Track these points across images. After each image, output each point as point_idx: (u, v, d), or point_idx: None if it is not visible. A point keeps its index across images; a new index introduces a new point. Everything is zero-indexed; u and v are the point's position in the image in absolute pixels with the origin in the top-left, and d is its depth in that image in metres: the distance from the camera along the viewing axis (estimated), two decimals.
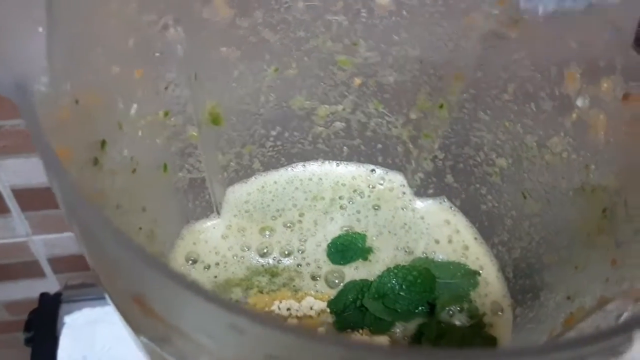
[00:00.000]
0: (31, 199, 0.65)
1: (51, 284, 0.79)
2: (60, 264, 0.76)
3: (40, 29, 0.24)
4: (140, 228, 0.38)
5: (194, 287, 0.16)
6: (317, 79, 0.43)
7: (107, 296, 0.24)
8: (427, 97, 0.43)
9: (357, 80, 0.44)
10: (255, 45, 0.39)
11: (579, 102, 0.33)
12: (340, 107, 0.45)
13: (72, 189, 0.18)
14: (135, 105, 0.34)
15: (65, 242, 0.73)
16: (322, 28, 0.40)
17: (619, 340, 0.16)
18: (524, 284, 0.40)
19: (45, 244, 0.73)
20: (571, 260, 0.34)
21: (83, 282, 0.82)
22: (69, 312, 0.64)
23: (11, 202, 0.65)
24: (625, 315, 0.25)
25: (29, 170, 0.61)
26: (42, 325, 0.66)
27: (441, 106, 0.42)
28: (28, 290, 0.80)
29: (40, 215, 0.68)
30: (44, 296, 0.68)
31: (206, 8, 0.35)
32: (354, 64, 0.42)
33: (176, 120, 0.38)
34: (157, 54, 0.34)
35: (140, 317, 0.22)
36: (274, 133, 0.46)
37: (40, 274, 0.78)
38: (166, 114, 0.37)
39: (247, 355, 0.18)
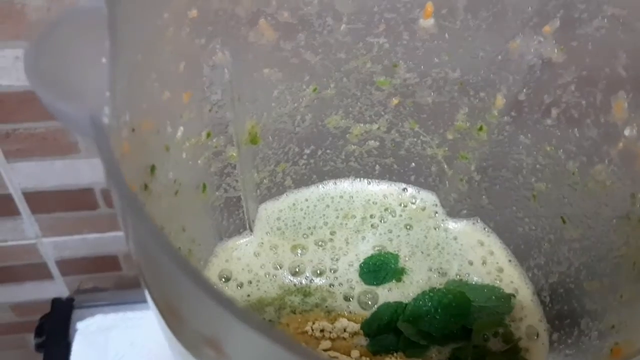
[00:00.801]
0: (42, 202, 0.65)
1: (59, 287, 0.79)
2: (68, 266, 0.76)
3: (104, 60, 0.24)
4: (180, 248, 0.38)
5: (277, 337, 0.16)
6: (354, 98, 0.43)
7: (169, 336, 0.24)
8: (466, 118, 0.42)
9: (395, 100, 0.43)
10: (296, 67, 0.39)
11: (627, 132, 0.33)
12: (375, 126, 0.45)
13: (150, 227, 0.18)
14: (181, 128, 0.34)
15: (75, 244, 0.72)
16: (363, 50, 0.40)
17: None
18: (561, 309, 0.40)
19: (54, 247, 0.73)
20: (616, 289, 0.34)
21: (95, 286, 0.82)
22: (81, 318, 0.64)
23: (21, 205, 0.65)
24: None
25: (40, 173, 0.61)
26: (54, 331, 0.66)
27: (480, 128, 0.41)
28: (36, 292, 0.80)
29: (50, 218, 0.68)
30: (56, 301, 0.68)
31: (252, 32, 0.35)
32: (392, 85, 0.42)
33: (218, 141, 0.38)
34: (204, 77, 0.34)
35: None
36: (307, 151, 0.46)
37: (49, 276, 0.78)
38: (209, 134, 0.37)
39: None
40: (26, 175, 0.62)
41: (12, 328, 0.87)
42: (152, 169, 0.31)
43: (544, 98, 0.37)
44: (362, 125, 0.45)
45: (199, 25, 0.31)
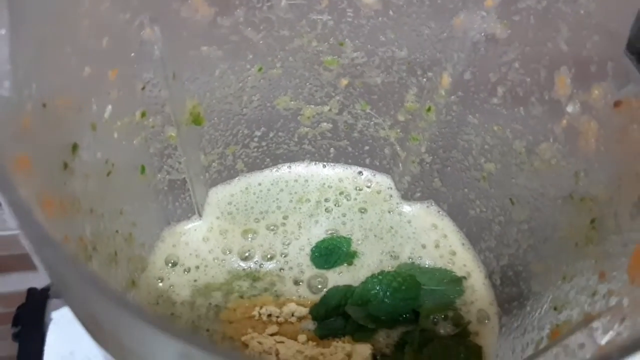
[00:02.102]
0: None
1: (42, 278, 0.78)
2: None
3: (3, 31, 0.23)
4: (117, 231, 0.37)
5: (143, 316, 0.15)
6: (302, 79, 0.42)
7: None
8: (415, 98, 0.42)
9: (344, 81, 0.42)
10: (237, 45, 0.38)
11: (570, 108, 0.32)
12: (326, 108, 0.44)
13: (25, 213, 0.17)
14: (110, 107, 0.32)
15: None
16: (307, 27, 0.39)
17: None
18: (510, 292, 0.39)
19: None
20: (559, 270, 0.33)
21: None
22: (56, 308, 0.63)
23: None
24: (610, 334, 0.24)
25: None
26: (29, 320, 0.65)
27: (429, 109, 0.40)
28: (19, 283, 0.78)
29: None
30: (31, 291, 0.67)
31: (184, 6, 0.34)
32: (340, 64, 0.41)
33: (154, 121, 0.37)
34: (132, 54, 0.33)
35: (97, 334, 0.21)
36: (258, 133, 0.45)
37: (32, 267, 0.77)
38: (143, 114, 0.36)
39: None
40: None
41: None
42: (74, 147, 0.30)
43: (490, 76, 0.36)
44: (313, 107, 0.44)
45: None
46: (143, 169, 0.38)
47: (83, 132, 0.31)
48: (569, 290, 0.32)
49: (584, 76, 0.31)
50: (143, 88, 0.35)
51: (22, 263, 0.75)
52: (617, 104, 0.29)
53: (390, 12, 0.37)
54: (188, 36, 0.36)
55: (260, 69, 0.40)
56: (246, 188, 0.47)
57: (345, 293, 0.41)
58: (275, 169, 0.48)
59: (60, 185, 0.28)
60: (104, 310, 0.17)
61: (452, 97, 0.39)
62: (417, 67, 0.40)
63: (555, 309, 0.33)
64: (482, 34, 0.35)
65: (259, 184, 0.47)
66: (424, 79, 0.40)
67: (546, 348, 0.31)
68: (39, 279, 0.77)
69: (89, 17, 0.28)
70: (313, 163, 0.48)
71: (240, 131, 0.44)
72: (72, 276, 0.16)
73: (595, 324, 0.26)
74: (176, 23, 0.34)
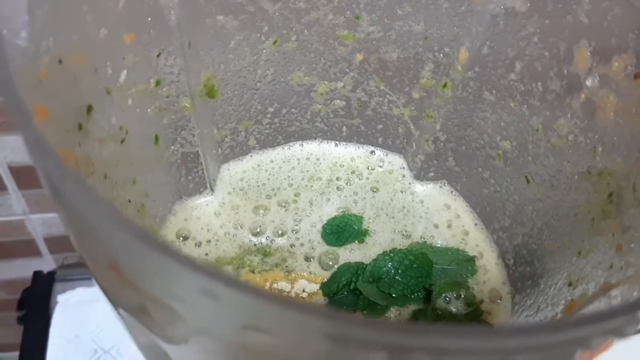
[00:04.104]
0: (29, 177, 0.64)
1: (47, 264, 0.78)
2: (56, 243, 0.75)
3: None
4: (130, 201, 0.36)
5: (162, 248, 0.14)
6: (317, 53, 0.42)
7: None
8: (431, 75, 0.41)
9: (359, 56, 0.42)
10: (253, 15, 0.38)
11: (589, 82, 0.32)
12: (340, 84, 0.44)
13: (39, 142, 0.17)
14: (125, 72, 0.32)
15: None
16: (323, 0, 0.38)
17: (624, 321, 0.15)
18: (524, 271, 0.39)
19: (42, 223, 0.72)
20: (575, 246, 0.33)
21: (78, 262, 0.81)
22: (62, 291, 0.63)
23: (8, 180, 0.64)
24: (630, 302, 0.24)
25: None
26: (35, 303, 0.65)
27: (445, 85, 0.40)
28: (24, 269, 0.79)
29: (38, 194, 0.67)
30: (37, 274, 0.67)
31: None
32: (356, 39, 0.41)
33: (169, 91, 0.37)
34: (149, 19, 0.32)
35: (117, 285, 0.20)
36: (271, 109, 0.45)
37: (37, 253, 0.77)
38: (158, 83, 0.36)
39: (223, 325, 0.16)
40: (12, 149, 0.60)
41: (1, 306, 0.86)
42: (89, 109, 0.29)
43: (508, 51, 0.36)
44: (326, 82, 0.44)
45: None
46: (157, 139, 0.38)
47: (98, 95, 0.30)
48: (584, 265, 0.32)
49: (604, 49, 0.30)
50: (158, 55, 0.34)
51: (26, 249, 0.75)
52: (637, 75, 0.28)
53: None
54: (205, 3, 0.35)
55: (275, 42, 0.40)
56: (258, 165, 0.47)
57: (356, 270, 0.40)
58: (287, 147, 0.47)
59: (75, 145, 0.28)
60: (123, 247, 0.17)
61: (469, 72, 0.38)
62: (434, 42, 0.39)
63: (570, 284, 0.32)
64: (502, 7, 0.35)
65: (271, 161, 0.47)
66: (441, 55, 0.40)
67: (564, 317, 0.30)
68: (43, 265, 0.77)
69: None
70: (325, 141, 0.48)
71: (254, 106, 0.44)
72: (93, 210, 0.16)
73: (614, 292, 0.25)
74: None
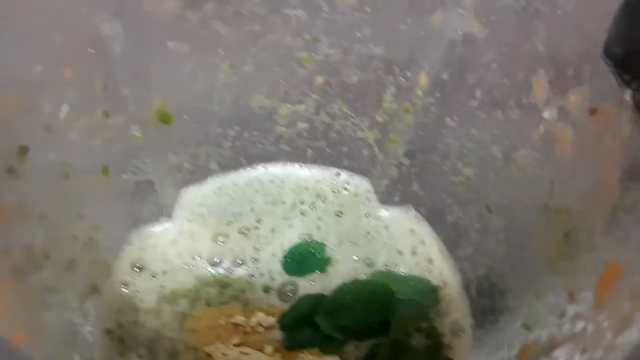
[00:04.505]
0: None
1: None
2: None
3: None
4: (76, 236, 0.35)
5: None
6: (277, 76, 0.41)
7: None
8: (393, 99, 0.40)
9: (320, 79, 0.41)
10: (206, 40, 0.37)
11: (547, 114, 0.31)
12: (302, 107, 0.43)
13: None
14: (65, 106, 0.31)
15: None
16: (279, 22, 0.37)
17: None
18: (486, 304, 0.38)
19: None
20: (532, 285, 0.32)
21: None
22: None
23: None
24: None
25: None
26: None
27: (406, 110, 0.39)
28: None
29: None
30: None
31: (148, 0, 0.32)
32: (316, 61, 0.40)
33: (117, 120, 0.35)
34: (91, 51, 0.31)
35: None
36: (232, 132, 0.43)
37: None
38: (105, 114, 0.34)
39: None
40: None
41: None
42: (22, 150, 0.28)
43: (467, 77, 0.35)
44: (288, 105, 0.43)
45: None
46: (106, 170, 0.37)
47: (33, 134, 0.29)
48: (540, 308, 0.30)
49: (561, 80, 0.29)
50: (105, 87, 0.33)
51: None
52: (592, 111, 0.27)
53: (367, 8, 0.36)
54: (152, 31, 0.34)
55: (232, 66, 0.39)
56: (219, 189, 0.45)
57: (315, 301, 0.39)
58: (250, 169, 0.46)
59: (3, 192, 0.27)
60: None
61: (430, 98, 0.37)
62: (395, 65, 0.38)
63: (526, 327, 0.31)
64: (460, 33, 0.33)
65: (234, 185, 0.46)
66: (402, 78, 0.38)
67: None
68: None
69: (39, 12, 0.27)
70: (289, 163, 0.46)
71: (213, 130, 0.42)
72: None
73: (556, 352, 0.24)
74: (139, 17, 0.33)
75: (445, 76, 0.36)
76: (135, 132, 0.37)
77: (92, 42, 0.31)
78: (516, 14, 0.31)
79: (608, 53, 0.26)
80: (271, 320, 0.39)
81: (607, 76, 0.26)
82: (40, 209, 0.30)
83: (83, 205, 0.35)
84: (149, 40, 0.34)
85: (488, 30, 0.32)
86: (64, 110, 0.31)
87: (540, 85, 0.31)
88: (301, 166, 0.47)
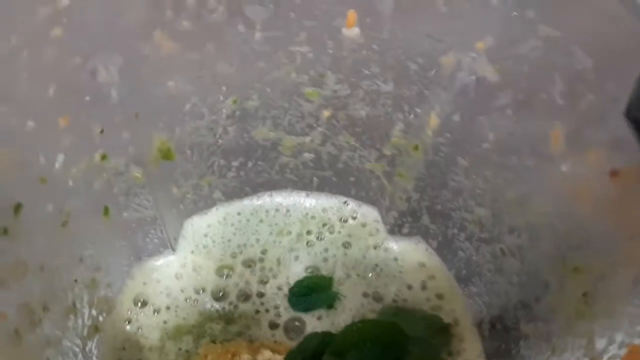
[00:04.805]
0: None
1: None
2: None
3: None
4: (76, 280, 0.34)
5: None
6: (282, 110, 0.39)
7: None
8: (402, 134, 0.39)
9: (326, 113, 0.39)
10: (209, 78, 0.35)
11: (564, 168, 0.29)
12: (308, 139, 0.41)
13: None
14: (62, 156, 0.30)
15: None
16: (284, 59, 0.36)
17: None
18: (499, 347, 0.37)
19: None
20: (550, 339, 0.31)
21: None
22: None
23: None
24: None
25: None
26: None
27: (416, 147, 0.38)
28: None
29: None
30: None
31: (145, 44, 0.31)
32: (322, 96, 0.38)
33: (117, 162, 0.34)
34: (87, 99, 0.30)
35: None
36: (235, 163, 0.42)
37: None
38: (104, 157, 0.33)
39: None
40: None
41: None
42: (17, 208, 0.27)
43: (480, 120, 0.33)
44: (293, 137, 0.41)
45: (69, 44, 0.27)
46: (106, 210, 0.36)
47: (28, 189, 0.28)
48: None
49: (579, 136, 0.28)
50: (101, 132, 0.32)
51: None
52: (613, 173, 0.26)
53: (374, 46, 0.34)
54: (151, 74, 0.33)
55: (235, 101, 0.38)
56: (224, 218, 0.44)
57: (323, 340, 0.38)
58: (255, 198, 0.45)
59: None
60: None
61: (440, 138, 0.36)
62: (404, 102, 0.37)
63: None
64: (472, 77, 0.32)
65: (238, 214, 0.45)
66: (411, 115, 0.37)
67: None
68: None
69: (29, 69, 0.26)
70: (295, 191, 0.45)
71: (216, 162, 0.41)
72: None
73: None
74: (136, 61, 0.31)
75: (456, 118, 0.34)
76: (136, 172, 0.35)
77: (88, 91, 0.30)
78: (532, 63, 0.29)
79: (630, 116, 0.24)
80: (278, 358, 0.38)
81: (630, 138, 0.25)
82: (37, 261, 0.29)
83: (83, 249, 0.34)
84: (147, 82, 0.33)
85: (502, 76, 0.31)
86: (60, 159, 0.30)
87: (557, 137, 0.29)
88: (307, 195, 0.45)
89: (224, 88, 0.37)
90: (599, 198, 0.27)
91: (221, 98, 0.37)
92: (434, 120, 0.35)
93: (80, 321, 0.35)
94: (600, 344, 0.26)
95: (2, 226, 0.26)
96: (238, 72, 0.36)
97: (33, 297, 0.29)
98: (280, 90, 0.38)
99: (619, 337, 0.25)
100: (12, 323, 0.26)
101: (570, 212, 0.30)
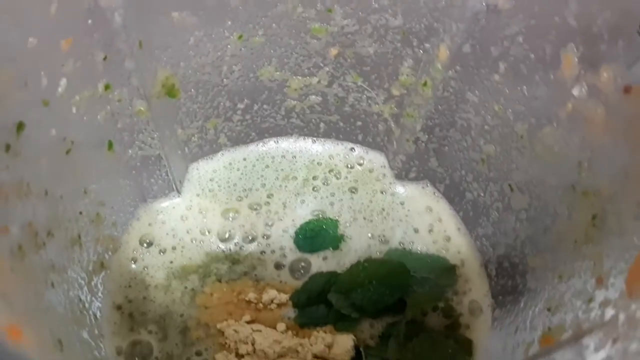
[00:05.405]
0: None
1: None
2: None
3: None
4: (81, 213, 0.34)
5: None
6: (288, 48, 0.39)
7: None
8: (411, 71, 0.38)
9: (333, 51, 0.39)
10: (213, 10, 0.35)
11: (576, 91, 0.29)
12: (315, 80, 0.41)
13: None
14: (64, 80, 0.29)
15: None
16: None
17: None
18: (506, 284, 0.36)
19: None
20: (556, 267, 0.30)
21: None
22: None
23: None
24: (600, 355, 0.22)
25: None
26: None
27: (425, 84, 0.37)
28: None
29: None
30: None
31: None
32: (329, 33, 0.38)
33: (120, 94, 0.34)
34: (89, 22, 0.29)
35: None
36: (241, 106, 0.42)
37: None
38: (107, 87, 0.33)
39: None
40: None
41: None
42: (19, 126, 0.27)
43: (491, 50, 0.33)
44: (300, 78, 0.41)
45: None
46: (110, 145, 0.36)
47: (31, 109, 0.28)
48: (564, 291, 0.29)
49: (593, 56, 0.27)
50: (105, 58, 0.32)
51: None
52: (627, 89, 0.25)
53: None
54: (156, 1, 0.32)
55: (240, 37, 0.37)
56: (229, 163, 0.44)
57: (328, 279, 0.38)
58: (261, 144, 0.45)
59: (1, 169, 0.25)
60: None
61: (450, 71, 0.35)
62: (413, 37, 0.36)
63: (549, 310, 0.30)
64: (484, 4, 0.31)
65: (244, 159, 0.44)
66: (420, 51, 0.36)
67: (537, 356, 0.28)
68: None
69: None
70: (302, 138, 0.45)
71: (222, 103, 0.41)
72: None
73: (586, 340, 0.23)
74: None
75: (467, 49, 0.34)
76: (140, 106, 0.35)
77: (91, 14, 0.29)
78: None
79: None
80: (283, 297, 0.38)
81: None
82: (42, 185, 0.29)
83: (87, 182, 0.34)
84: (152, 10, 0.33)
85: (514, 1, 0.30)
86: (63, 84, 0.30)
87: (570, 60, 0.29)
88: (314, 141, 0.45)
89: (229, 22, 0.36)
90: (611, 117, 0.27)
91: (226, 33, 0.37)
92: (443, 53, 0.35)
93: (85, 255, 0.35)
94: (607, 263, 0.26)
95: (5, 142, 0.26)
96: (243, 4, 0.35)
97: (37, 219, 0.29)
98: (286, 26, 0.37)
99: (627, 254, 0.25)
100: (15, 238, 0.26)
101: (581, 139, 0.29)
